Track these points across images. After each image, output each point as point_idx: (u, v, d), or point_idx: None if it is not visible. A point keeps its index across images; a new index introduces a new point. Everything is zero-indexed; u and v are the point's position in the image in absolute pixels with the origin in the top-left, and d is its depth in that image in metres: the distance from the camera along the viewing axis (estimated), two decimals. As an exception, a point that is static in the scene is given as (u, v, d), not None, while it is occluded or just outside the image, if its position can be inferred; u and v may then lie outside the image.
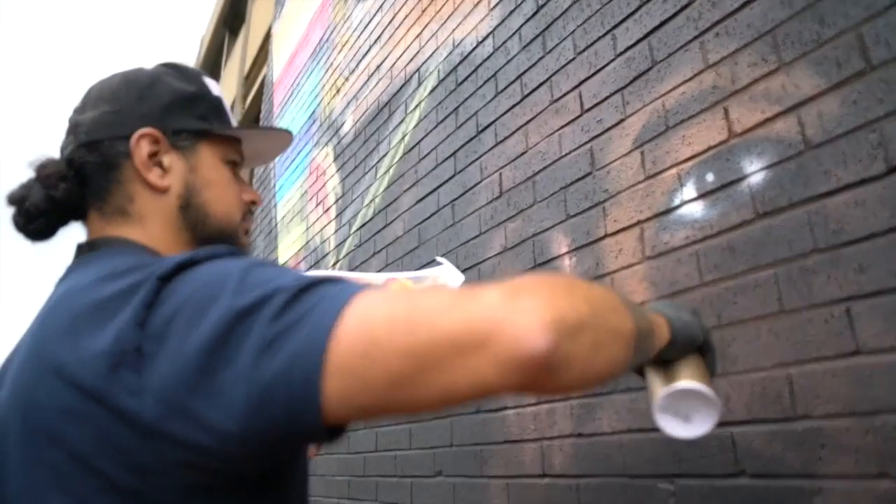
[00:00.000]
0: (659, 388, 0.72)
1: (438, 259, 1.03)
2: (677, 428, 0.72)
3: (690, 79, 1.18)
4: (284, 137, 0.85)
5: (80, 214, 0.71)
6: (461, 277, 0.98)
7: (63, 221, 0.71)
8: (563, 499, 1.32)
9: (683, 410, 0.71)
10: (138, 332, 0.50)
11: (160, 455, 0.48)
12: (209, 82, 0.77)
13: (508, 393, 0.47)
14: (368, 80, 2.76)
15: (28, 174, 0.70)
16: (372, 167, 2.57)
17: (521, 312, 0.44)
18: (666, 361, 0.73)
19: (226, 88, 9.36)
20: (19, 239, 0.71)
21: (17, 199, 0.69)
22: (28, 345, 0.58)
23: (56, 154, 0.72)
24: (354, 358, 0.45)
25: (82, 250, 0.68)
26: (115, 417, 0.48)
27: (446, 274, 1.01)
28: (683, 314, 0.74)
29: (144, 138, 0.68)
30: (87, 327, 0.53)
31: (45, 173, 0.68)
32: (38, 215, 0.68)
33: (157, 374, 0.48)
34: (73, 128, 0.70)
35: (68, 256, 0.71)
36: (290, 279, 0.50)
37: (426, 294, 0.48)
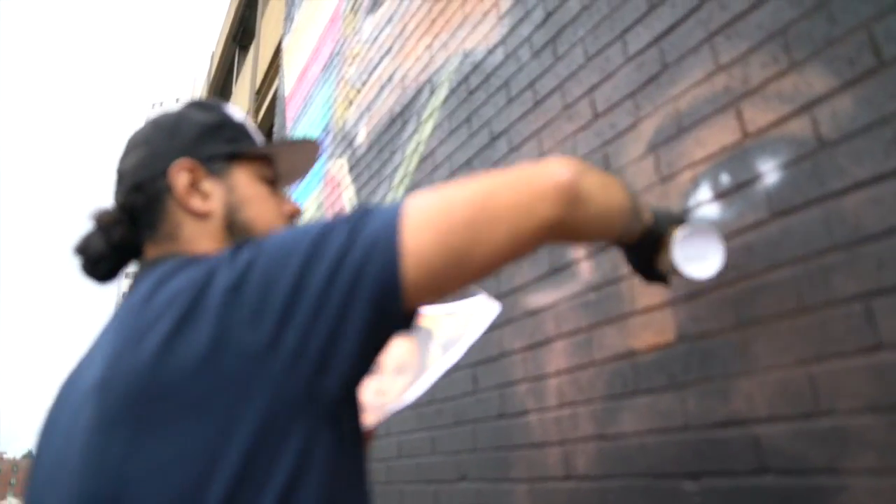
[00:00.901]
0: (671, 242, 0.89)
1: (473, 289, 1.04)
2: (698, 269, 0.90)
3: (702, 81, 1.19)
4: (311, 147, 0.89)
5: (138, 253, 0.77)
6: (497, 307, 1.00)
7: (124, 262, 0.78)
8: (586, 501, 1.32)
9: (694, 253, 0.90)
10: (226, 279, 0.57)
11: (267, 376, 0.53)
12: (231, 110, 0.83)
13: (549, 227, 0.63)
14: (381, 91, 2.80)
15: (88, 224, 0.78)
16: (387, 177, 2.60)
17: (548, 163, 0.66)
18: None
19: (237, 104, 9.48)
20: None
21: (81, 249, 0.76)
22: (113, 341, 0.61)
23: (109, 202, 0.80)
24: (432, 211, 0.58)
25: (146, 265, 0.73)
26: (221, 354, 0.54)
27: (481, 304, 1.02)
28: (665, 210, 0.94)
29: (181, 170, 0.74)
30: (163, 316, 0.57)
31: (102, 221, 0.76)
32: (99, 260, 0.76)
33: (251, 302, 0.54)
34: (120, 176, 0.78)
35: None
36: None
37: (475, 177, 0.63)
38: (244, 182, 0.78)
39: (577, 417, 1.39)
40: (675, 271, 0.90)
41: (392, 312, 0.57)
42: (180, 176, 0.73)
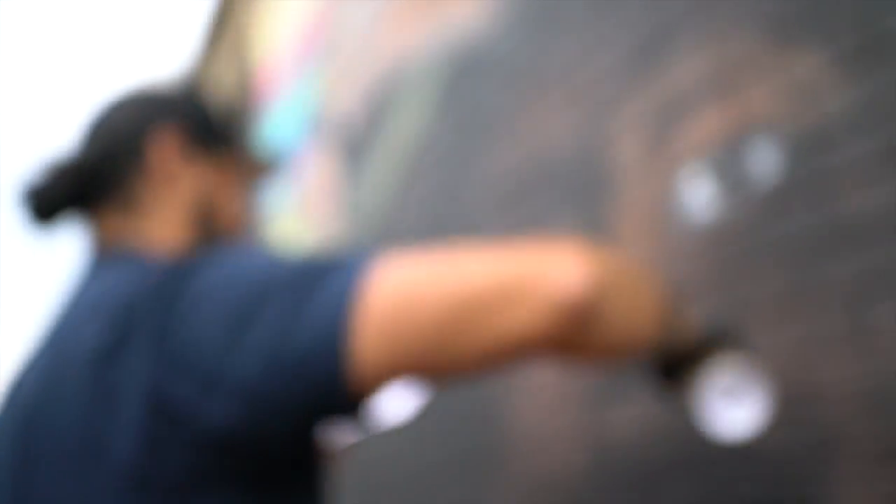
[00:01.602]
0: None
1: None
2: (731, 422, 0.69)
3: (701, 65, 1.16)
4: (271, 170, 0.87)
5: (91, 207, 0.71)
6: None
7: (75, 213, 0.72)
8: (576, 503, 1.31)
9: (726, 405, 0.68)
10: (160, 316, 0.51)
11: (174, 432, 0.48)
12: (218, 103, 0.83)
13: (545, 347, 0.50)
14: (365, 77, 2.74)
15: (43, 166, 0.71)
16: (376, 163, 2.56)
17: (559, 261, 0.50)
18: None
19: (218, 88, 9.35)
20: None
21: (30, 187, 0.69)
22: (49, 352, 0.59)
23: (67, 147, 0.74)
24: (397, 304, 0.47)
25: (96, 257, 0.69)
26: (145, 404, 0.49)
27: None
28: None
29: (168, 131, 0.71)
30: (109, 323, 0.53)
31: (62, 165, 0.70)
32: (52, 209, 0.69)
33: (179, 353, 0.49)
34: (96, 122, 0.73)
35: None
36: (299, 259, 0.55)
37: (461, 254, 0.52)
38: (219, 171, 0.76)
39: (566, 417, 1.36)
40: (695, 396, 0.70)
41: (332, 406, 0.50)
42: (164, 140, 0.71)
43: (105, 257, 0.69)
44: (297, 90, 3.86)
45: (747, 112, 1.06)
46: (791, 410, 0.94)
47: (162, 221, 0.69)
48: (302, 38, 3.94)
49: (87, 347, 0.53)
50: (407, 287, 0.48)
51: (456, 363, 0.49)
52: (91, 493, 0.49)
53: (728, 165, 1.09)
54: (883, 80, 0.87)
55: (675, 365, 0.69)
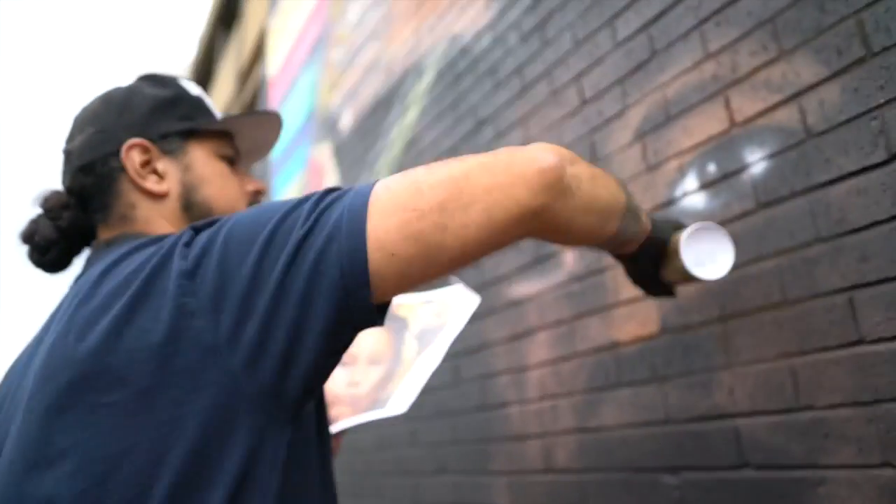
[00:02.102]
0: (678, 246, 0.82)
1: (451, 278, 1.01)
2: (709, 271, 0.83)
3: (691, 68, 1.17)
4: (273, 122, 0.84)
5: (90, 238, 0.73)
6: (476, 299, 0.95)
7: (76, 249, 0.74)
8: (566, 494, 1.32)
9: (702, 254, 0.83)
10: (182, 263, 0.53)
11: (223, 368, 0.50)
12: (187, 84, 0.78)
13: (536, 215, 0.57)
14: (366, 74, 2.75)
15: (34, 210, 0.73)
16: (370, 163, 2.57)
17: (531, 147, 0.60)
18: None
19: (221, 86, 9.34)
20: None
21: (27, 236, 0.72)
22: (65, 325, 0.58)
23: (57, 185, 0.75)
24: (404, 195, 0.53)
25: (99, 247, 0.69)
26: (175, 342, 0.51)
27: (460, 296, 0.97)
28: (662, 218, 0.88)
29: (133, 149, 0.70)
30: (118, 296, 0.54)
31: (48, 206, 0.71)
32: (48, 247, 0.71)
33: (207, 290, 0.51)
34: (67, 157, 0.72)
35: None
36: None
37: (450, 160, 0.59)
38: (201, 160, 0.74)
39: (558, 410, 1.37)
40: (683, 278, 0.84)
41: (358, 305, 0.52)
42: (132, 155, 0.70)
43: (102, 248, 0.68)
44: (300, 84, 3.87)
45: (737, 114, 1.08)
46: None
47: (159, 229, 0.70)
48: (303, 34, 3.95)
49: (100, 312, 0.53)
50: (410, 181, 0.54)
51: (462, 239, 0.54)
52: (128, 432, 0.49)
53: (717, 167, 1.10)
54: (871, 87, 0.88)
55: (649, 251, 0.82)
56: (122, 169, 0.70)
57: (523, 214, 0.56)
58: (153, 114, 0.73)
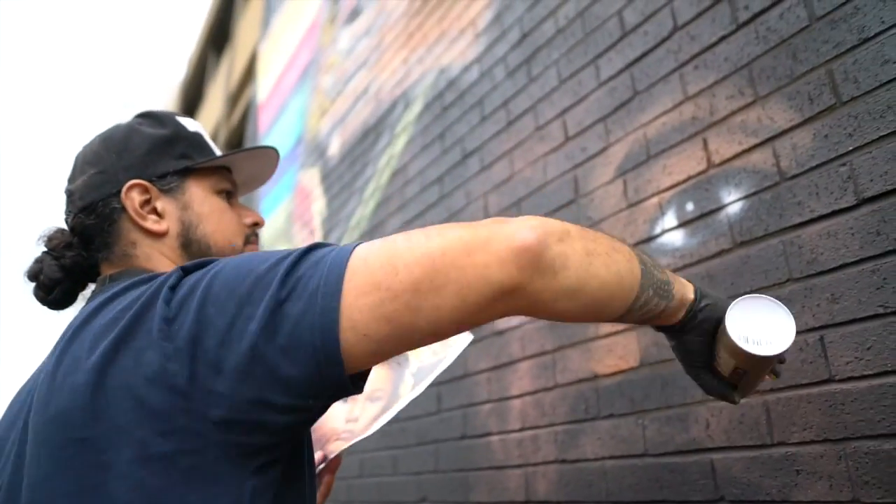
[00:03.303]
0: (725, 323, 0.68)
1: None
2: (762, 348, 0.67)
3: (671, 109, 1.21)
4: (270, 155, 0.86)
5: (93, 275, 0.75)
6: (469, 337, 0.95)
7: (80, 286, 0.76)
8: (546, 524, 1.32)
9: (755, 334, 0.68)
10: (165, 308, 0.54)
11: (194, 415, 0.51)
12: (184, 121, 0.80)
13: (513, 295, 0.54)
14: (355, 102, 2.79)
15: (39, 249, 0.75)
16: (358, 190, 2.59)
17: (514, 221, 0.56)
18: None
19: (211, 108, 9.36)
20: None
21: (33, 275, 0.74)
22: (57, 358, 0.59)
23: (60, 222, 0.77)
24: (379, 273, 0.52)
25: (104, 281, 0.72)
26: (152, 383, 0.52)
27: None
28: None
29: (133, 189, 0.72)
30: (108, 330, 0.56)
31: (52, 245, 0.74)
32: (53, 286, 0.73)
33: (189, 337, 0.52)
34: (69, 197, 0.75)
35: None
36: (299, 248, 0.57)
37: (440, 225, 0.57)
38: (199, 197, 0.76)
39: (539, 440, 1.38)
40: (739, 363, 0.69)
41: (331, 380, 0.52)
42: (132, 196, 0.72)
43: (106, 283, 0.70)
44: (289, 109, 3.90)
45: (714, 155, 1.11)
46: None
47: (160, 266, 0.71)
48: (293, 59, 3.99)
49: (91, 347, 0.55)
50: (387, 256, 0.53)
51: (435, 321, 0.53)
52: (98, 471, 0.51)
53: (696, 205, 1.13)
54: (840, 134, 0.92)
55: (694, 330, 0.71)
56: (123, 209, 0.72)
57: (497, 295, 0.53)
58: (151, 154, 0.75)
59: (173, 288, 0.56)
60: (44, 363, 0.64)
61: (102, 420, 0.52)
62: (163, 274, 0.60)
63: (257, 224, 0.82)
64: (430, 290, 0.52)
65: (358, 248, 0.54)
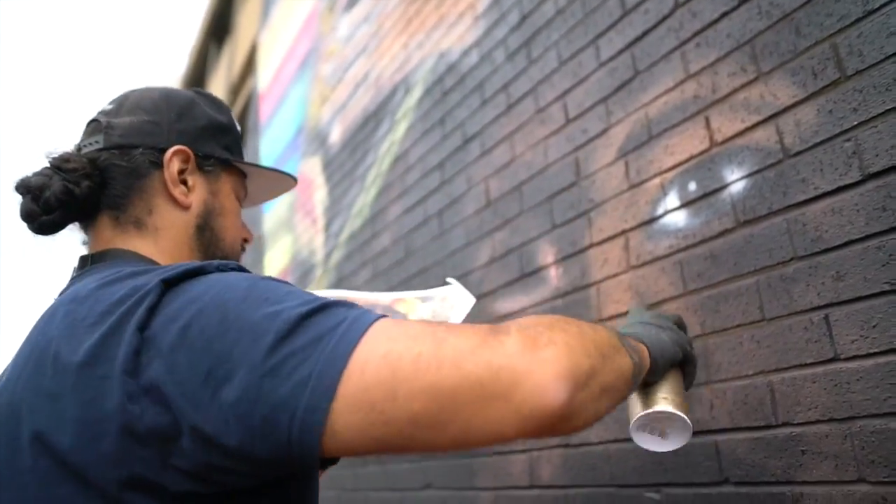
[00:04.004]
0: (637, 409, 0.76)
1: (449, 280, 1.02)
2: (652, 443, 0.77)
3: (672, 88, 1.19)
4: (287, 183, 0.88)
5: (89, 216, 0.70)
6: (471, 300, 0.94)
7: (74, 218, 0.70)
8: (550, 508, 1.32)
9: (659, 427, 0.76)
10: (138, 336, 0.50)
11: (151, 460, 0.48)
12: (235, 118, 0.81)
13: (519, 438, 0.47)
14: (355, 89, 2.77)
15: (42, 163, 0.69)
16: (359, 177, 2.58)
17: (542, 364, 0.45)
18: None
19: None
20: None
21: (34, 187, 0.67)
22: (28, 351, 0.58)
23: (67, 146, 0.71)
24: (377, 392, 0.44)
25: (86, 262, 0.68)
26: (107, 424, 0.48)
27: (456, 295, 0.96)
28: (663, 334, 0.75)
29: (178, 154, 0.71)
30: (88, 332, 0.52)
31: (69, 167, 0.67)
32: (55, 207, 0.67)
33: (154, 381, 0.48)
34: (105, 128, 0.70)
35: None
36: (301, 299, 0.49)
37: (450, 333, 0.47)
38: (226, 192, 0.76)
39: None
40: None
41: (301, 464, 0.48)
42: (175, 160, 0.70)
43: (99, 261, 0.66)
44: (289, 98, 3.88)
45: (717, 134, 1.10)
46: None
47: (170, 242, 0.69)
48: (293, 49, 3.96)
49: (68, 345, 0.52)
50: (386, 375, 0.45)
51: (427, 448, 0.46)
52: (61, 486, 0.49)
53: (698, 185, 1.12)
54: (845, 109, 0.91)
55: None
56: (159, 167, 0.70)
57: (505, 440, 0.47)
58: (206, 131, 0.74)
59: (152, 309, 0.51)
60: (25, 347, 0.61)
61: (55, 449, 0.50)
62: (146, 272, 0.57)
63: (247, 241, 0.82)
64: (428, 427, 0.45)
65: (362, 345, 0.46)
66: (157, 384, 0.48)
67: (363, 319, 0.47)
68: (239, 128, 0.81)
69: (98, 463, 0.48)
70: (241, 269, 0.58)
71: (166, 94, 0.74)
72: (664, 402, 0.74)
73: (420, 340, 0.46)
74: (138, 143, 0.69)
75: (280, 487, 0.56)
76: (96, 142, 0.69)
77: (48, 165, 0.68)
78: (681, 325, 0.83)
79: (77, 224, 0.71)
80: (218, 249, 0.74)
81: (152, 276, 0.55)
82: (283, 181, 0.87)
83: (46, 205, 0.67)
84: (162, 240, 0.69)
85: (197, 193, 0.72)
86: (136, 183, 0.69)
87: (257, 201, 0.90)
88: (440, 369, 0.44)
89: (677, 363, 0.76)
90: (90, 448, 0.49)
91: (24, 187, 0.68)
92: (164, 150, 0.70)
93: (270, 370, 0.45)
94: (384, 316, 0.50)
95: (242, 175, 0.80)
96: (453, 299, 0.97)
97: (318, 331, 0.46)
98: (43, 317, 0.60)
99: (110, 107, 0.73)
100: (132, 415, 0.48)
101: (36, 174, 0.68)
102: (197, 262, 0.56)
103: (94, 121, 0.72)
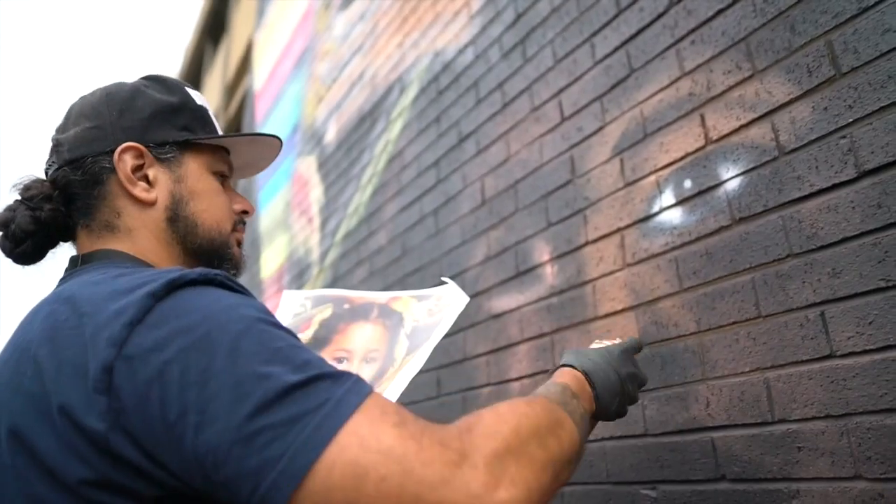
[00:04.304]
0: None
1: (444, 279, 1.03)
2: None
3: (667, 86, 1.19)
4: (272, 144, 0.83)
5: (68, 234, 0.71)
6: (465, 299, 0.95)
7: (51, 243, 0.71)
8: (547, 506, 1.31)
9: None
10: (111, 351, 0.49)
11: (114, 469, 0.48)
12: (192, 92, 0.77)
13: None
14: (351, 88, 2.76)
15: (12, 197, 0.69)
16: (355, 176, 2.57)
17: (493, 494, 0.47)
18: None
19: (208, 98, 9.30)
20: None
21: (2, 223, 0.68)
22: (10, 351, 0.57)
23: (40, 174, 0.72)
24: (338, 495, 0.45)
25: (75, 263, 0.68)
26: (78, 430, 0.49)
27: (451, 294, 0.98)
28: (607, 363, 0.78)
29: (127, 152, 0.68)
30: (67, 336, 0.52)
31: (30, 195, 0.68)
32: (24, 238, 0.68)
33: (124, 406, 0.48)
34: (56, 147, 0.70)
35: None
36: (290, 363, 0.49)
37: (418, 458, 0.47)
38: (195, 173, 0.72)
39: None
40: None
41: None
42: (125, 158, 0.68)
43: (78, 266, 0.66)
44: (285, 97, 3.87)
45: (712, 131, 1.10)
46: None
47: (145, 240, 0.68)
48: (288, 47, 3.96)
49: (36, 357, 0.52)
50: (350, 485, 0.45)
51: None
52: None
53: (694, 182, 1.12)
54: (840, 106, 0.91)
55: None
56: (113, 170, 0.68)
57: None
58: (154, 119, 0.71)
59: (131, 325, 0.50)
60: (10, 349, 0.61)
61: (31, 446, 0.51)
62: (145, 271, 0.56)
63: (246, 212, 0.79)
64: None
65: (336, 441, 0.45)
66: (126, 411, 0.48)
67: (344, 404, 0.48)
68: (200, 101, 0.76)
69: (67, 463, 0.49)
70: (228, 281, 0.56)
71: (106, 94, 0.72)
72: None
73: (389, 461, 0.46)
74: (86, 152, 0.68)
75: None
76: (53, 162, 0.70)
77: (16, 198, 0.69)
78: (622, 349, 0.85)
79: (62, 244, 0.72)
80: (196, 237, 0.72)
81: (134, 283, 0.54)
82: (267, 145, 0.83)
83: (15, 237, 0.68)
84: (138, 239, 0.69)
85: (161, 185, 0.70)
86: (96, 192, 0.68)
87: (249, 172, 0.86)
88: (402, 498, 0.45)
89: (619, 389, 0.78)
90: (61, 449, 0.49)
91: None
92: (112, 152, 0.68)
93: (244, 438, 0.45)
94: (370, 394, 0.49)
95: (218, 149, 0.76)
96: (448, 298, 0.98)
97: (299, 409, 0.46)
98: (27, 316, 0.60)
99: (60, 123, 0.72)
100: (97, 431, 0.48)
101: (4, 209, 0.69)
102: (178, 271, 0.54)
103: (51, 140, 0.72)
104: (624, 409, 0.80)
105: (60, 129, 0.71)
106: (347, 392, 0.48)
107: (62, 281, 0.67)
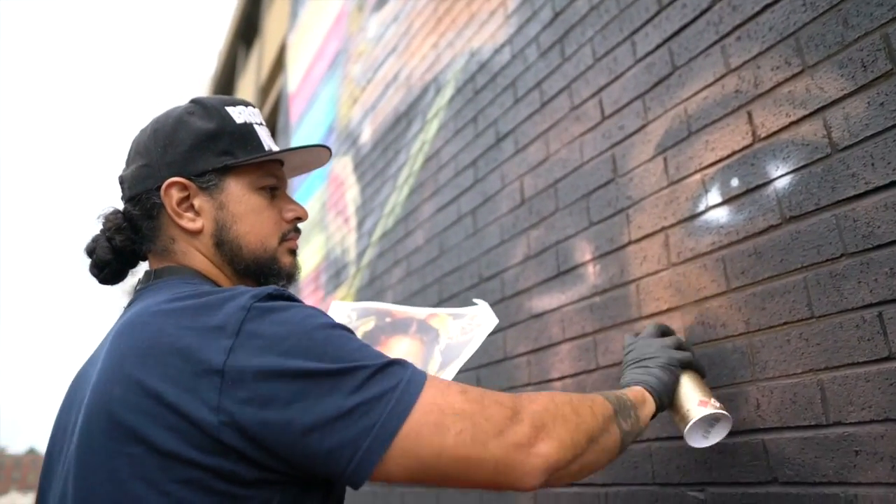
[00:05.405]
0: (686, 415, 0.94)
1: (476, 301, 1.11)
2: (702, 441, 0.96)
3: (712, 83, 1.18)
4: (319, 152, 0.88)
5: (142, 257, 0.81)
6: (495, 321, 1.05)
7: (129, 265, 0.81)
8: (591, 507, 1.31)
9: (705, 427, 0.95)
10: (223, 357, 0.58)
11: (225, 455, 0.58)
12: (232, 111, 0.80)
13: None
14: (386, 89, 2.78)
15: (98, 227, 0.81)
16: (391, 177, 2.59)
17: (535, 459, 0.66)
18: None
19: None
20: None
21: (88, 252, 0.80)
22: (106, 359, 0.65)
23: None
24: (426, 450, 0.61)
25: (149, 277, 0.77)
26: (190, 423, 0.57)
27: (482, 315, 1.06)
28: (664, 374, 0.93)
29: (172, 187, 0.75)
30: (167, 350, 0.61)
31: (107, 226, 0.79)
32: (105, 264, 0.79)
33: (235, 401, 0.57)
34: (121, 184, 0.80)
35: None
36: (368, 356, 0.63)
37: (482, 414, 0.65)
38: (236, 196, 0.78)
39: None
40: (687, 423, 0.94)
41: (348, 483, 0.62)
42: (171, 193, 0.75)
43: (152, 280, 0.76)
44: (319, 98, 3.92)
45: (760, 129, 1.08)
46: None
47: (198, 263, 0.77)
48: (322, 49, 4.00)
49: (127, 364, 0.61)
50: (436, 441, 0.61)
51: (445, 486, 0.66)
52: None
53: (741, 181, 1.10)
54: (892, 97, 0.88)
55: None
56: (163, 204, 0.76)
57: (521, 490, 0.68)
58: (193, 150, 0.76)
59: (234, 335, 0.61)
60: (98, 352, 0.68)
61: (145, 439, 0.60)
62: (223, 291, 0.66)
63: (299, 218, 0.83)
64: (452, 479, 0.64)
65: (418, 408, 0.61)
66: (235, 409, 0.58)
67: (414, 382, 0.63)
68: (242, 118, 0.80)
69: (181, 452, 0.59)
70: (292, 298, 0.67)
71: (154, 129, 0.79)
72: (703, 405, 0.93)
73: (462, 418, 0.63)
74: (140, 190, 0.77)
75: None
76: (122, 198, 0.80)
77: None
78: (666, 334, 1.02)
79: (141, 263, 0.83)
80: (241, 259, 0.78)
81: (219, 299, 0.64)
82: (314, 152, 0.88)
83: (98, 264, 0.79)
84: (192, 261, 0.77)
85: (206, 213, 0.77)
86: (152, 224, 0.77)
87: (301, 171, 0.92)
88: (474, 445, 0.63)
89: (680, 374, 0.95)
90: (174, 438, 0.59)
91: (86, 253, 0.81)
92: (160, 189, 0.76)
93: (344, 414, 0.59)
94: (428, 375, 0.65)
95: (265, 163, 0.81)
96: (480, 318, 1.07)
97: (382, 388, 0.61)
98: (116, 329, 0.68)
99: (126, 158, 0.82)
100: (210, 424, 0.58)
101: (91, 239, 0.81)
102: (265, 289, 0.65)
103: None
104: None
105: (125, 167, 0.81)
106: (414, 372, 0.64)
107: (140, 291, 0.74)
